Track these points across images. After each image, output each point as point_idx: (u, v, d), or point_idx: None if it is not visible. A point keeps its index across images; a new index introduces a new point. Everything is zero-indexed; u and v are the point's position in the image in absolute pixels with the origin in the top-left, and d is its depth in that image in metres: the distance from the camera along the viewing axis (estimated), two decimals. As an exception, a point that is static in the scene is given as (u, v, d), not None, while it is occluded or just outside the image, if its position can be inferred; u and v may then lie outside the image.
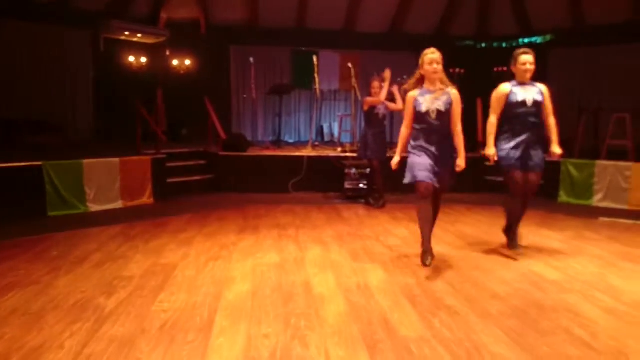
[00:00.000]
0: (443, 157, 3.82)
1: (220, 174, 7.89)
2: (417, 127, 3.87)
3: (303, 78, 10.37)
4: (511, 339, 2.67)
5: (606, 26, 9.53)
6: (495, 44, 11.42)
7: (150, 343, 2.59)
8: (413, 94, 3.88)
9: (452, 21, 11.37)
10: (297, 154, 8.04)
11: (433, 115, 3.77)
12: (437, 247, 4.60)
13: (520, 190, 4.15)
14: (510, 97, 4.09)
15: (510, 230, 4.40)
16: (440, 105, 3.78)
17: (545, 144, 4.20)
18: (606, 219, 5.89)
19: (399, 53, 11.03)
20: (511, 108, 4.09)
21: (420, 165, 3.75)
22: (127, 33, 9.31)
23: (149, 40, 9.87)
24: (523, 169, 4.11)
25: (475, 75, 10.59)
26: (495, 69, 10.81)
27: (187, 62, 10.73)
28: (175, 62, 10.66)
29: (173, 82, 10.36)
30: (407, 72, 10.50)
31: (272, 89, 9.72)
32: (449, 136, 3.85)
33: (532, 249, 4.56)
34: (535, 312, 3.06)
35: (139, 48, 10.04)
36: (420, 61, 3.84)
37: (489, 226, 5.54)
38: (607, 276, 3.75)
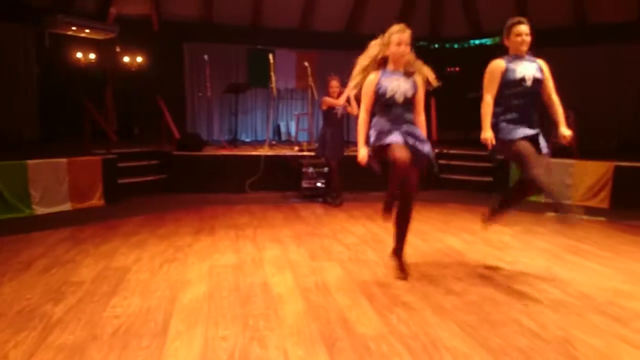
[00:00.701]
0: (412, 137, 3.39)
1: (175, 174, 7.71)
2: (380, 113, 3.44)
3: (259, 76, 10.29)
4: (465, 332, 2.75)
5: (550, 29, 9.96)
6: (447, 45, 11.72)
7: (102, 350, 2.50)
8: (374, 76, 3.43)
9: (405, 22, 11.54)
10: (254, 153, 7.97)
11: (400, 100, 3.35)
12: (392, 244, 4.68)
13: (535, 162, 3.32)
14: (507, 75, 3.51)
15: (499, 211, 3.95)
16: (407, 89, 3.37)
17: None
18: (552, 214, 6.14)
19: (355, 52, 11.11)
20: (508, 87, 3.52)
21: (390, 133, 3.33)
22: (74, 28, 8.93)
23: (98, 36, 9.51)
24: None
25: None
26: (448, 69, 11.12)
27: (139, 59, 10.43)
28: (126, 59, 10.34)
29: (124, 80, 10.04)
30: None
31: (228, 88, 9.60)
32: (412, 122, 3.47)
33: (485, 244, 4.71)
34: (487, 305, 3.16)
35: (87, 44, 9.66)
36: (385, 40, 3.40)
37: (442, 222, 5.68)
38: (554, 269, 3.93)
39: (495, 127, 3.55)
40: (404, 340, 2.64)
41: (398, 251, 3.74)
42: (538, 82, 3.53)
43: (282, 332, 2.74)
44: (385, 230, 5.20)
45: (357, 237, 4.95)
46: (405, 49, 3.34)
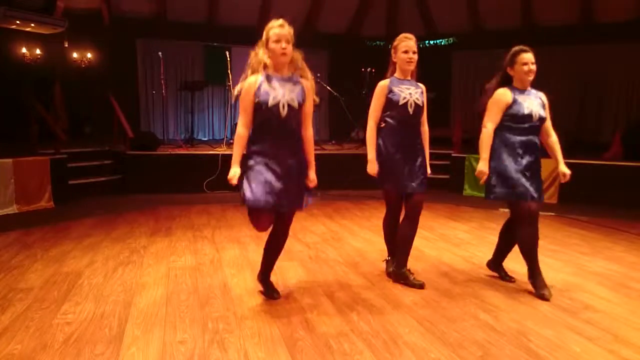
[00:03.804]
0: (291, 168, 2.91)
1: (129, 175, 7.49)
2: (259, 126, 2.89)
3: (216, 74, 10.13)
4: (424, 327, 2.80)
5: (502, 31, 10.30)
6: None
7: (53, 359, 2.39)
8: (253, 80, 2.86)
9: (362, 21, 11.70)
10: (212, 152, 7.84)
11: (284, 112, 2.83)
12: (353, 241, 4.72)
13: (534, 220, 3.39)
14: (515, 108, 3.27)
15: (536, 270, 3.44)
16: (293, 98, 2.85)
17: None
18: (505, 210, 6.33)
19: (313, 51, 11.15)
20: (514, 121, 3.29)
21: (258, 182, 2.83)
22: (18, 22, 8.50)
23: (44, 31, 9.09)
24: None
25: (386, 75, 10.98)
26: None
27: (89, 55, 10.05)
28: (75, 55, 9.95)
29: (73, 77, 9.64)
30: (320, 70, 10.72)
31: (184, 85, 9.41)
32: (299, 140, 2.97)
33: (442, 240, 4.81)
34: (445, 300, 3.22)
35: (32, 39, 9.22)
36: (264, 37, 2.88)
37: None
38: (507, 262, 4.03)
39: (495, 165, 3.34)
40: (365, 337, 2.66)
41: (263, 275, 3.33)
42: (542, 121, 3.35)
43: (243, 333, 2.70)
44: (346, 229, 5.25)
45: (317, 236, 4.95)
46: (287, 47, 2.82)
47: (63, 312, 2.96)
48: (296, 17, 11.24)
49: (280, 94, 2.83)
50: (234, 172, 2.86)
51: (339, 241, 4.75)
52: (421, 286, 3.39)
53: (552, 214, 6.11)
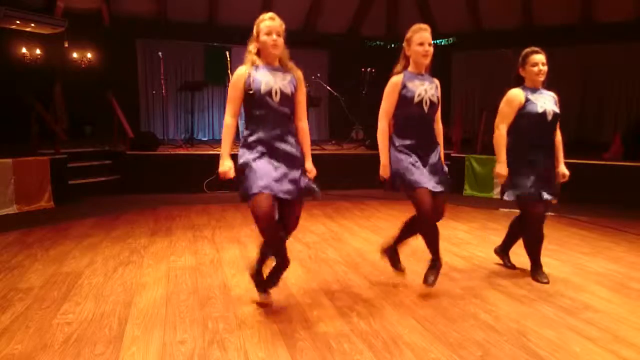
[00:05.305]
0: (288, 156, 2.83)
1: (129, 175, 7.49)
2: (254, 117, 2.83)
3: (216, 74, 10.15)
4: (424, 327, 2.79)
5: (502, 31, 10.32)
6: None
7: (52, 359, 2.39)
8: (243, 70, 2.83)
9: (362, 21, 11.70)
10: (211, 152, 7.84)
11: (276, 98, 2.79)
12: (353, 241, 4.73)
13: (541, 222, 3.50)
14: (528, 107, 3.35)
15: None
16: (285, 85, 2.82)
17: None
18: (505, 210, 6.35)
19: (312, 51, 11.16)
20: (529, 121, 3.36)
21: (261, 171, 2.74)
22: (18, 22, 8.50)
23: (45, 31, 9.09)
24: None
25: (386, 75, 10.99)
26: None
27: (89, 55, 10.06)
28: (75, 55, 9.95)
29: (74, 77, 9.66)
30: (320, 70, 10.73)
31: (184, 85, 9.41)
32: (293, 129, 2.92)
33: (442, 240, 4.79)
34: (445, 300, 3.22)
35: (32, 39, 9.23)
36: (255, 31, 2.88)
37: (399, 220, 5.75)
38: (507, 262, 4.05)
39: (509, 165, 3.43)
40: (365, 337, 2.66)
41: None
42: (557, 118, 3.39)
43: (242, 333, 2.70)
44: (346, 229, 5.25)
45: (317, 236, 4.96)
46: (278, 40, 2.82)
47: (63, 312, 2.96)
48: (296, 17, 11.31)
49: (272, 80, 2.79)
50: (228, 165, 2.83)
51: (339, 241, 4.75)
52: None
53: (552, 214, 6.10)
